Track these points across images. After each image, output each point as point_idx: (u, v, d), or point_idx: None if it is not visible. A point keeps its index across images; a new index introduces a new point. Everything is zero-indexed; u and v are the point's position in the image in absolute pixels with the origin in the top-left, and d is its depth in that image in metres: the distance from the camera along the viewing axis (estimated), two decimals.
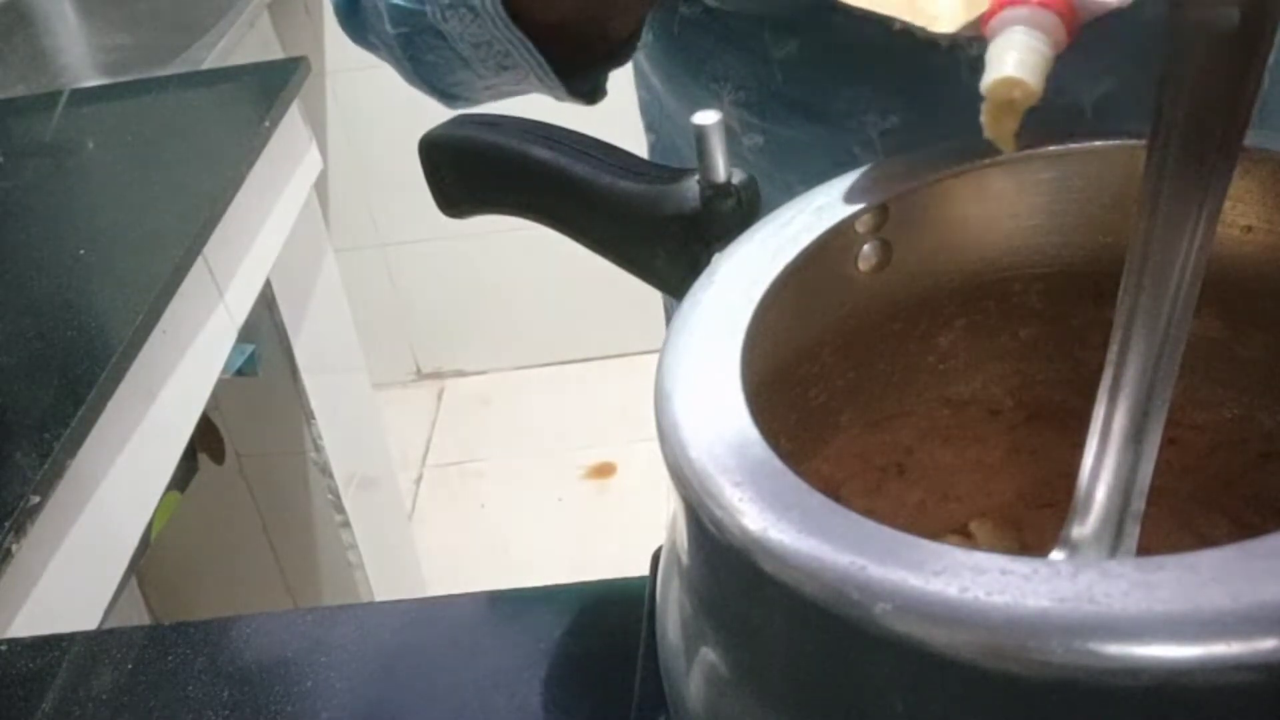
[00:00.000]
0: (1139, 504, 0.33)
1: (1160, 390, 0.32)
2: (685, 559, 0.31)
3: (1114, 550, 0.33)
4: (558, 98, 0.52)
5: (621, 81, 0.58)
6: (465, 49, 0.50)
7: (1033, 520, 0.44)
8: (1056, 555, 0.34)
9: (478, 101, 0.56)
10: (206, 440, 1.24)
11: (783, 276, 0.35)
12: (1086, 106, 0.49)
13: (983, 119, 0.36)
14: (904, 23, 0.38)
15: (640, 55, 0.61)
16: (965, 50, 0.48)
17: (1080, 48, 0.49)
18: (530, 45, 0.48)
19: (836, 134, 0.52)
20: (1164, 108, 0.30)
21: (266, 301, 1.14)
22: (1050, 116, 0.37)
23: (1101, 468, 0.33)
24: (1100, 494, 0.33)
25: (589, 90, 0.53)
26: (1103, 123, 0.38)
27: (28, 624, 0.72)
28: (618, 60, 0.54)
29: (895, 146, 0.51)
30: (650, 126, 0.65)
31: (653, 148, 0.66)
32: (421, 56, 0.52)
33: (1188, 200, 0.30)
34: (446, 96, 0.56)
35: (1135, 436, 0.32)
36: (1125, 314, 0.32)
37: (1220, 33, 0.28)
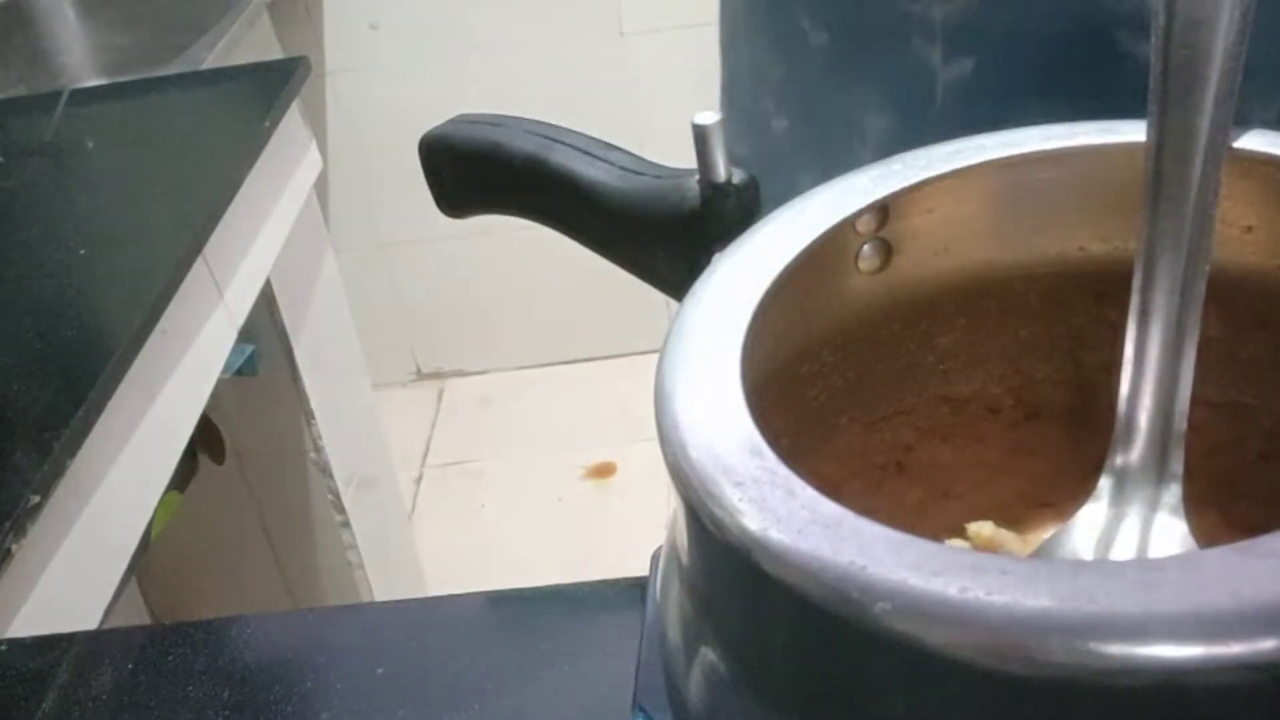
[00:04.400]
0: (1181, 425, 0.33)
1: (1191, 306, 0.32)
2: (685, 559, 0.31)
3: (1161, 475, 0.33)
4: None
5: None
6: None
7: (1033, 520, 0.44)
8: (1103, 483, 0.34)
9: None
10: (206, 440, 1.24)
11: (783, 276, 0.35)
12: None
13: None
14: None
15: None
16: None
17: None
18: None
19: (839, 132, 0.52)
20: None
21: (266, 301, 1.14)
22: None
23: (1140, 393, 0.33)
24: (1142, 419, 0.33)
25: None
26: None
27: (28, 624, 0.72)
28: None
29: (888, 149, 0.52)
30: (723, 50, 0.63)
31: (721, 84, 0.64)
32: None
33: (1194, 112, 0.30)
34: None
35: (1172, 355, 0.32)
36: (1148, 233, 0.32)
37: None
